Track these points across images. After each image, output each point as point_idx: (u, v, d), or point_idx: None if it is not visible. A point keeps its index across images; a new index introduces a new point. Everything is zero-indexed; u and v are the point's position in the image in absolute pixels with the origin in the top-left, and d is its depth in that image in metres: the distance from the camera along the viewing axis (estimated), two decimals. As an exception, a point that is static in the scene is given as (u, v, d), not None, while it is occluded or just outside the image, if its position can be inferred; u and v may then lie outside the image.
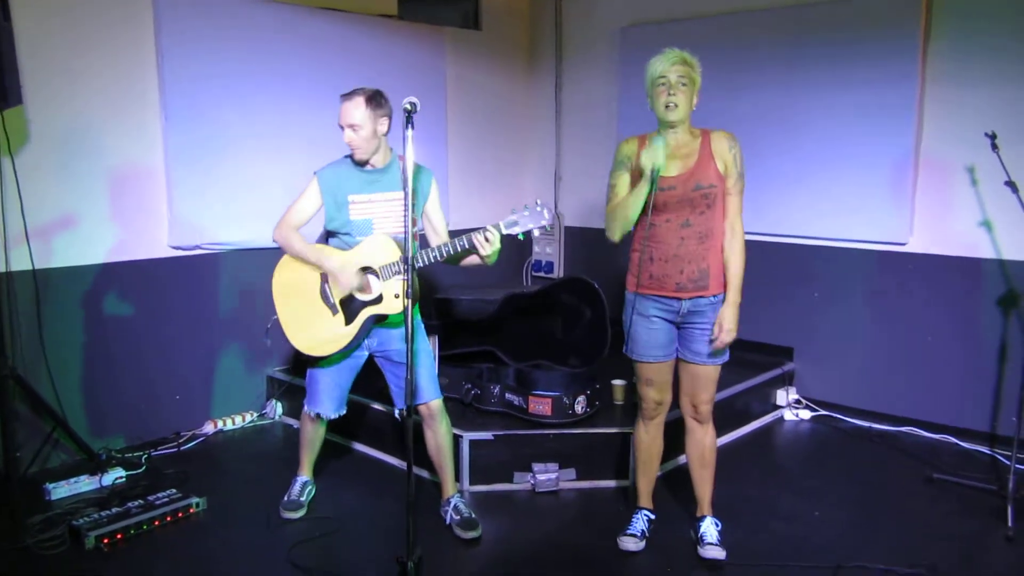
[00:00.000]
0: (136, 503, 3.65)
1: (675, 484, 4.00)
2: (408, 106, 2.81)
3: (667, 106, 3.07)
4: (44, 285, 4.10)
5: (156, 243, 4.56)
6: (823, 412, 5.08)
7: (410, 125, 2.82)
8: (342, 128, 3.34)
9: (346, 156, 3.47)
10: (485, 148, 6.33)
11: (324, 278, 3.41)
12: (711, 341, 3.20)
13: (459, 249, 3.20)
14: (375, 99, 3.33)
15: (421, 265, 3.25)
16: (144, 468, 4.21)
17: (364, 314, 3.34)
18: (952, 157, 4.60)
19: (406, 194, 2.75)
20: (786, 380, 5.23)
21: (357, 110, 3.29)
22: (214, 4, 4.63)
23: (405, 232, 2.86)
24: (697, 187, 3.10)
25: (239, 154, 4.81)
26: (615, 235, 3.20)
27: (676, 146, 3.15)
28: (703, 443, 3.42)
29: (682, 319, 3.24)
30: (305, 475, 3.87)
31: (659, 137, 3.07)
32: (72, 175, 4.20)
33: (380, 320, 3.40)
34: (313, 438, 3.80)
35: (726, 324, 3.16)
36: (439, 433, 3.57)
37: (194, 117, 4.59)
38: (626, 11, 6.00)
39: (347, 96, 3.33)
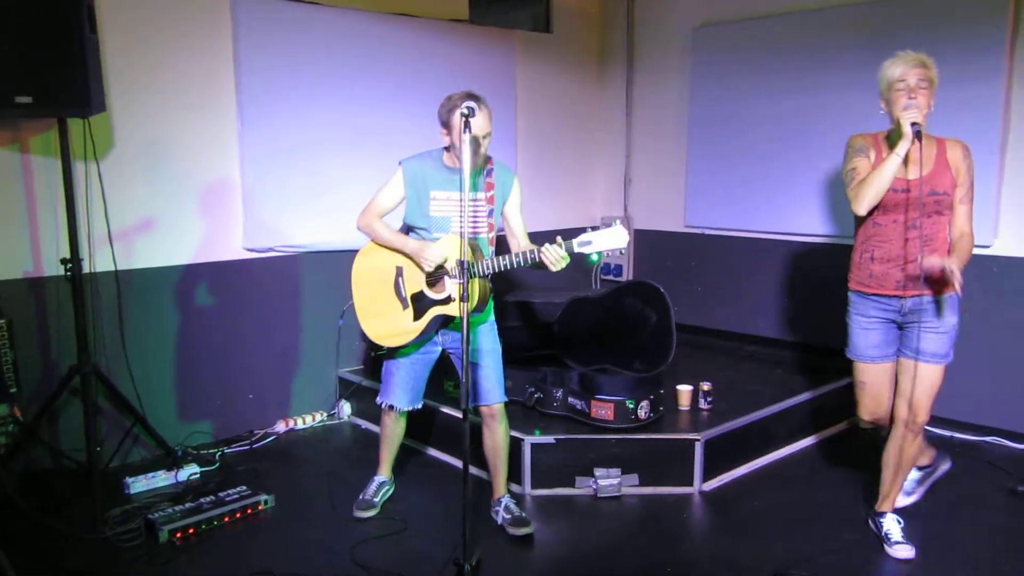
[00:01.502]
0: (208, 499, 3.77)
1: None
2: (465, 111, 2.83)
3: (906, 108, 3.06)
4: (126, 285, 4.26)
5: (231, 245, 4.70)
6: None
7: (467, 129, 2.84)
8: (474, 138, 3.12)
9: (434, 150, 3.49)
10: (555, 151, 6.32)
11: (399, 272, 3.45)
12: (948, 343, 3.23)
13: (528, 261, 3.15)
14: (488, 105, 3.31)
15: (487, 274, 3.23)
16: (217, 465, 4.34)
17: (431, 313, 3.37)
18: (1041, 155, 4.39)
19: (463, 191, 2.76)
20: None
21: (487, 120, 3.26)
22: (289, 12, 4.75)
23: (462, 233, 2.87)
24: (932, 193, 3.14)
25: (312, 159, 4.91)
26: (863, 207, 3.17)
27: (912, 150, 3.13)
28: (908, 452, 3.39)
29: (904, 318, 3.27)
30: (383, 475, 3.90)
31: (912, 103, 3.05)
32: (153, 180, 4.37)
33: (448, 321, 3.41)
34: (391, 434, 3.82)
35: (948, 264, 2.99)
36: (497, 434, 3.59)
37: (269, 123, 4.72)
38: (698, 11, 5.92)
39: (477, 103, 3.12)
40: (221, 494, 3.82)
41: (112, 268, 4.17)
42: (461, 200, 2.85)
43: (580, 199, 6.57)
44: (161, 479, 4.09)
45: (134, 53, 4.23)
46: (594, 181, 6.67)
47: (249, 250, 4.76)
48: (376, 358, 4.95)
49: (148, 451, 4.41)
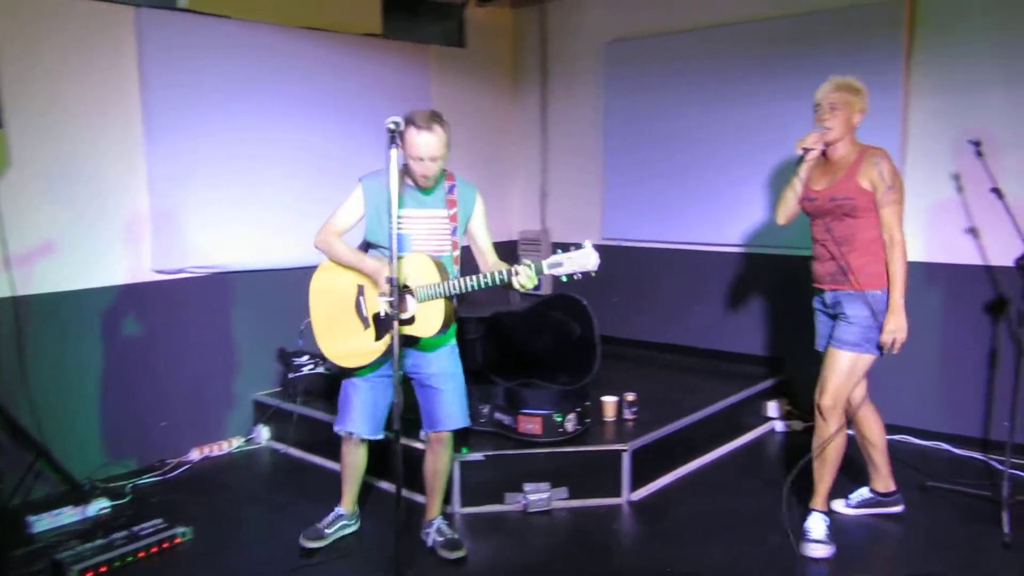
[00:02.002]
0: (120, 534, 3.58)
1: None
2: (391, 125, 2.79)
3: (819, 130, 3.43)
4: (25, 312, 4.04)
5: (140, 267, 4.52)
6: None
7: (394, 144, 2.80)
8: (416, 159, 3.16)
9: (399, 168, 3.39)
10: (471, 166, 6.29)
11: (360, 290, 3.34)
12: (862, 333, 3.41)
13: (497, 282, 3.07)
14: (446, 126, 3.19)
15: (453, 295, 3.13)
16: (129, 498, 4.14)
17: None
18: (937, 165, 4.60)
19: (392, 208, 2.70)
20: (778, 391, 5.21)
21: (443, 143, 3.16)
22: (197, 26, 4.61)
23: (391, 255, 2.81)
24: (832, 199, 3.43)
25: (224, 177, 4.77)
26: (778, 220, 3.70)
27: (834, 162, 3.49)
28: (821, 436, 3.54)
29: (831, 310, 3.56)
30: (343, 507, 3.68)
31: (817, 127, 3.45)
32: (54, 200, 4.16)
33: (412, 342, 3.29)
34: (350, 464, 3.58)
35: (888, 326, 3.37)
36: (440, 459, 3.51)
37: (177, 141, 4.56)
38: (610, 27, 6.02)
39: (427, 127, 3.11)
40: (134, 528, 3.63)
41: (11, 294, 3.96)
42: (390, 218, 2.80)
43: (498, 213, 6.56)
44: (67, 515, 3.87)
45: (33, 69, 4.04)
46: (511, 195, 6.69)
47: (159, 272, 4.58)
48: (292, 381, 4.84)
49: (52, 487, 4.16)
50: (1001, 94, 4.36)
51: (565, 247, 2.94)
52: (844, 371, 3.45)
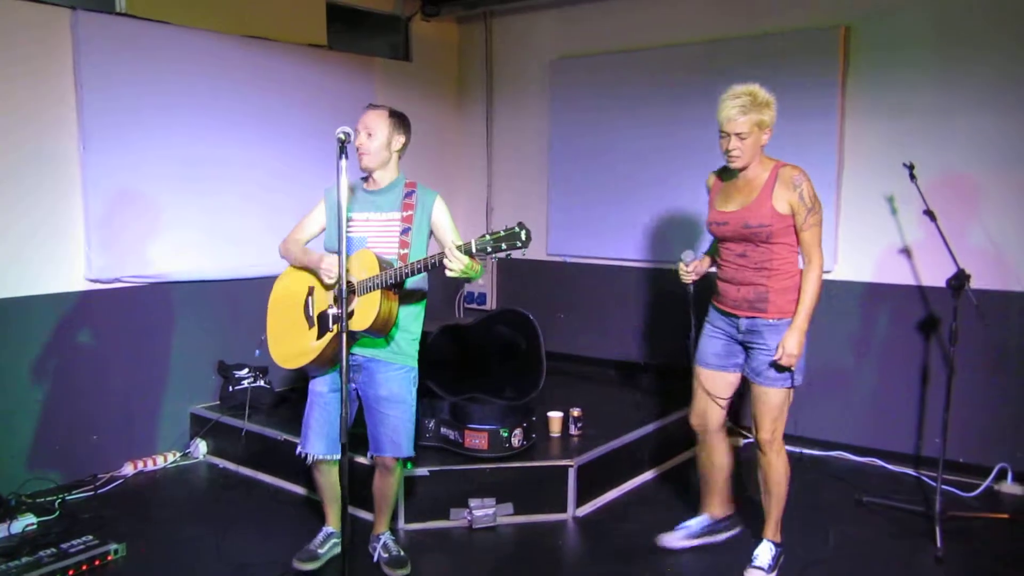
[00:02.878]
0: (48, 552, 3.44)
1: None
2: (341, 136, 2.76)
3: (728, 158, 3.28)
4: (-51, 321, 3.88)
5: (73, 276, 4.37)
6: (752, 439, 5.11)
7: (344, 155, 2.76)
8: (356, 132, 3.27)
9: (357, 181, 3.41)
10: (416, 178, 6.24)
11: (310, 291, 3.33)
12: (773, 363, 3.28)
13: (428, 267, 3.03)
14: (400, 117, 3.34)
15: (392, 282, 3.07)
16: (57, 514, 3.99)
17: (333, 332, 3.19)
18: (873, 187, 4.75)
19: (340, 210, 2.65)
20: (718, 408, 5.27)
21: (379, 119, 3.29)
22: (137, 31, 4.51)
23: (339, 252, 2.77)
24: (746, 226, 3.27)
25: (162, 185, 4.66)
26: None
27: (744, 183, 3.33)
28: (764, 470, 3.47)
29: (744, 337, 3.39)
30: (331, 526, 3.59)
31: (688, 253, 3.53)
32: (-18, 206, 4.01)
33: (355, 340, 3.23)
34: (324, 483, 3.49)
35: (786, 347, 3.23)
36: (388, 481, 3.45)
37: (114, 147, 4.44)
38: (556, 44, 6.08)
39: (374, 106, 3.36)
40: (63, 545, 3.50)
41: (-67, 301, 3.79)
42: (339, 218, 2.75)
43: (441, 228, 6.55)
44: (-9, 533, 3.72)
45: (-38, 67, 3.90)
46: (456, 209, 6.54)
47: (92, 281, 4.44)
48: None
49: (-25, 503, 3.99)
50: (933, 120, 4.52)
51: (498, 231, 2.85)
52: (777, 407, 3.37)
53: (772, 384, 3.33)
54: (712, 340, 3.50)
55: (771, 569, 3.43)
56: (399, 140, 3.33)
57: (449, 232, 3.36)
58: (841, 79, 4.77)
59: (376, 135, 3.26)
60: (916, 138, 4.55)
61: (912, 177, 4.18)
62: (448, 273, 2.92)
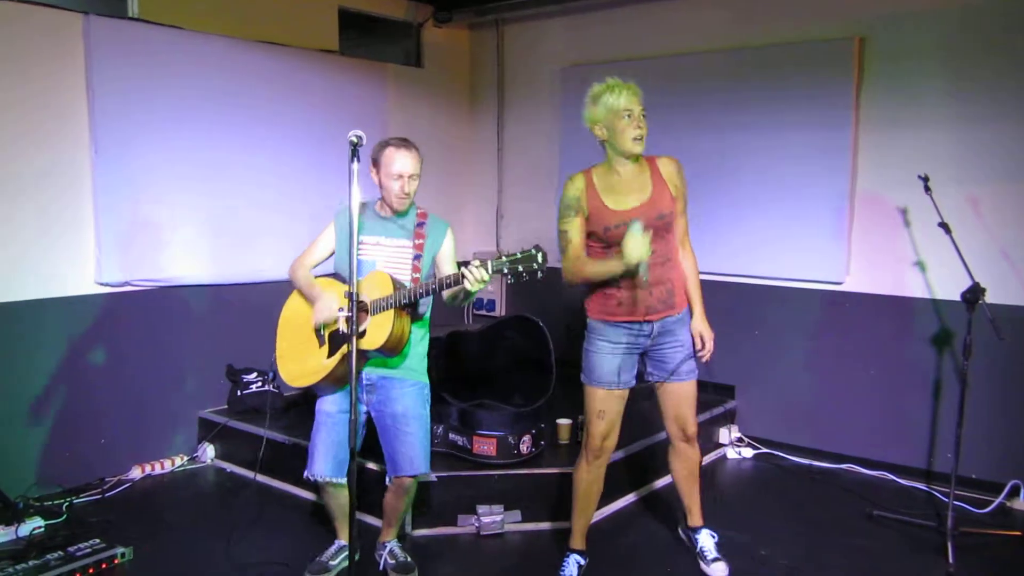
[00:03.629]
0: (55, 555, 3.44)
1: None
2: (354, 139, 2.75)
3: (635, 139, 3.12)
4: (-40, 322, 3.88)
5: (83, 280, 4.38)
6: (765, 450, 5.10)
7: (356, 159, 2.76)
8: (393, 177, 3.21)
9: (369, 200, 3.37)
10: (426, 185, 6.22)
11: None
12: (693, 357, 3.32)
13: (446, 286, 3.02)
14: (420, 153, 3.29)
15: (406, 302, 3.08)
16: (65, 517, 3.99)
17: (345, 348, 3.16)
18: (887, 199, 4.72)
19: (352, 226, 2.64)
20: (728, 418, 5.26)
21: (416, 160, 3.24)
22: (149, 36, 4.52)
23: (349, 275, 2.76)
24: (660, 216, 3.17)
25: (174, 190, 4.67)
26: (574, 284, 3.21)
27: (629, 178, 3.20)
28: (692, 460, 3.50)
29: (653, 341, 3.28)
30: (342, 539, 3.56)
31: (635, 223, 2.96)
32: (-5, 208, 4.03)
33: (367, 360, 3.23)
34: (333, 504, 3.45)
35: (707, 334, 3.30)
36: (400, 500, 3.42)
37: (126, 151, 4.45)
38: (567, 52, 6.07)
39: (401, 146, 3.23)
40: (70, 549, 3.50)
41: (-56, 303, 3.80)
42: (351, 227, 2.74)
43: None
44: (-1, 535, 3.72)
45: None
46: (466, 216, 6.66)
47: (102, 284, 4.44)
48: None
49: (-17, 505, 3.99)
50: (949, 131, 4.49)
51: (515, 253, 2.85)
52: (696, 399, 3.41)
53: (691, 377, 3.34)
54: (615, 358, 3.27)
55: (721, 553, 3.49)
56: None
57: (449, 263, 3.38)
58: (855, 90, 4.75)
59: (418, 179, 3.27)
60: (931, 150, 4.52)
61: (927, 189, 4.15)
62: (459, 289, 2.97)
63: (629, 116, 3.11)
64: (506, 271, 2.80)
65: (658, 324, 3.24)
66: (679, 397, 3.36)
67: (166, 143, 4.61)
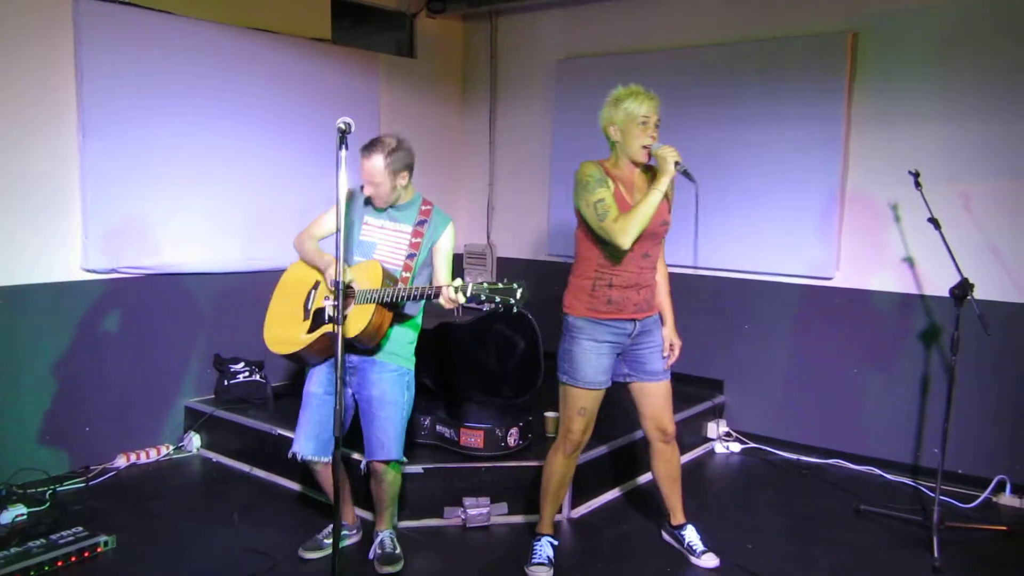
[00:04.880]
0: (38, 542, 3.41)
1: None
2: (342, 126, 2.74)
3: (644, 147, 3.21)
4: (-57, 308, 3.85)
5: (69, 266, 4.34)
6: (753, 445, 5.10)
7: (344, 146, 2.75)
8: (364, 180, 3.26)
9: None
10: (418, 176, 6.21)
11: (315, 285, 3.36)
12: (665, 358, 3.40)
13: (421, 296, 3.04)
14: (394, 156, 3.22)
15: (384, 301, 3.08)
16: (48, 505, 3.96)
17: (323, 328, 3.21)
18: (877, 194, 4.72)
19: (338, 217, 2.63)
20: (716, 413, 5.26)
21: (377, 171, 3.21)
22: (140, 20, 4.48)
23: (336, 257, 2.75)
24: (664, 223, 3.28)
25: (161, 176, 4.63)
26: (630, 240, 3.11)
27: (639, 185, 3.29)
28: (672, 461, 3.54)
29: (632, 341, 3.33)
30: (343, 520, 3.60)
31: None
32: (-22, 192, 3.99)
33: (348, 347, 3.20)
34: (324, 481, 3.46)
35: (677, 342, 3.44)
36: (380, 486, 3.42)
37: (114, 136, 4.40)
38: (561, 45, 6.04)
39: (367, 151, 3.21)
40: (53, 536, 3.47)
41: (-73, 287, 3.76)
42: (337, 213, 2.73)
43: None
44: (-20, 522, 3.69)
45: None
46: (457, 208, 6.64)
47: (88, 271, 4.40)
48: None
49: (-35, 492, 3.95)
50: (940, 127, 4.49)
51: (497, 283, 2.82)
52: (671, 398, 3.48)
53: (667, 376, 3.44)
54: (601, 358, 3.29)
55: (709, 547, 3.53)
56: (403, 178, 3.29)
57: (444, 260, 3.40)
58: (848, 85, 4.74)
59: (382, 183, 3.24)
60: (922, 145, 4.52)
61: (917, 185, 4.15)
62: (435, 303, 3.00)
63: (644, 124, 3.20)
64: (483, 298, 2.79)
65: (640, 323, 3.33)
66: (656, 397, 3.42)
67: (155, 129, 4.57)
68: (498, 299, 2.76)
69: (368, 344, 3.18)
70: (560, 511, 3.93)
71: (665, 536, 3.74)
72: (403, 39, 6.28)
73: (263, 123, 5.10)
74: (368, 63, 5.78)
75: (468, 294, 2.83)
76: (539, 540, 3.49)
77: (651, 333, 3.37)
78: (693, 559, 3.53)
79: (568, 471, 3.51)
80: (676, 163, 3.14)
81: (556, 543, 3.51)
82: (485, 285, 2.80)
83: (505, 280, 2.78)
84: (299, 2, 5.38)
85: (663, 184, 3.13)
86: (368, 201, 3.34)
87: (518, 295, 2.75)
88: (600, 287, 3.26)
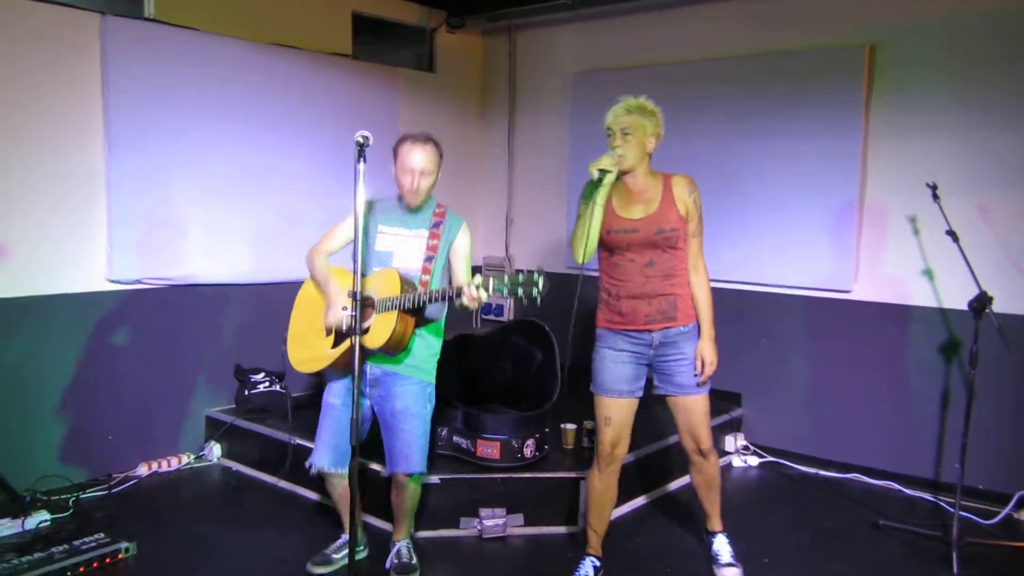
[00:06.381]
0: (60, 548, 3.47)
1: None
2: (360, 139, 2.78)
3: (602, 156, 3.20)
4: (-29, 317, 3.92)
5: (94, 276, 4.42)
6: (771, 459, 5.08)
7: (362, 159, 2.79)
8: (406, 172, 3.23)
9: (392, 196, 3.40)
10: (437, 189, 6.28)
11: None
12: (696, 375, 3.29)
13: (444, 299, 3.06)
14: (440, 150, 3.28)
15: (406, 307, 3.09)
16: (71, 511, 4.01)
17: (347, 343, 3.19)
18: (895, 207, 4.70)
19: (356, 221, 2.66)
20: (735, 426, 5.24)
21: (430, 157, 3.23)
22: (164, 36, 4.56)
23: (355, 266, 2.78)
24: (659, 231, 3.23)
25: (185, 188, 4.70)
26: (579, 256, 3.22)
27: (638, 191, 3.27)
28: (709, 473, 3.52)
29: (656, 352, 3.30)
30: (349, 533, 3.55)
31: (611, 151, 3.19)
32: (10, 206, 4.07)
33: (370, 355, 3.23)
34: (337, 495, 3.48)
35: (707, 357, 3.29)
36: (401, 497, 3.44)
37: (140, 149, 4.48)
38: (578, 58, 6.09)
39: (417, 141, 3.22)
40: (75, 542, 3.53)
41: (-44, 298, 3.84)
42: (355, 227, 2.77)
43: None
44: (6, 528, 3.74)
45: (-8, 67, 3.96)
46: (476, 220, 6.68)
47: (113, 281, 4.48)
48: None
49: (-10, 498, 4.02)
50: (957, 140, 4.48)
51: (517, 275, 2.87)
52: (708, 412, 3.41)
53: (700, 391, 3.35)
54: (620, 366, 3.31)
55: (736, 559, 3.50)
56: (440, 175, 3.32)
57: (463, 260, 3.39)
58: (865, 97, 4.75)
59: (432, 173, 3.25)
60: (939, 158, 4.51)
61: (935, 197, 4.14)
62: (458, 303, 2.99)
63: (610, 135, 3.24)
64: (506, 293, 2.83)
65: (658, 334, 3.28)
66: (688, 411, 3.38)
67: (180, 143, 4.65)
68: (520, 291, 2.79)
69: (395, 352, 3.19)
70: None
71: (704, 536, 3.73)
72: (423, 54, 6.35)
73: (284, 137, 5.17)
74: (388, 77, 5.85)
75: (490, 290, 2.85)
76: (583, 560, 3.48)
77: (677, 345, 3.29)
78: (715, 568, 3.52)
79: (605, 489, 3.45)
80: (601, 170, 3.14)
81: (599, 563, 3.47)
82: (505, 279, 2.83)
83: (524, 272, 2.81)
84: (321, 18, 5.46)
85: (599, 198, 3.19)
86: (382, 210, 3.34)
87: (540, 284, 2.79)
88: (611, 297, 3.32)
